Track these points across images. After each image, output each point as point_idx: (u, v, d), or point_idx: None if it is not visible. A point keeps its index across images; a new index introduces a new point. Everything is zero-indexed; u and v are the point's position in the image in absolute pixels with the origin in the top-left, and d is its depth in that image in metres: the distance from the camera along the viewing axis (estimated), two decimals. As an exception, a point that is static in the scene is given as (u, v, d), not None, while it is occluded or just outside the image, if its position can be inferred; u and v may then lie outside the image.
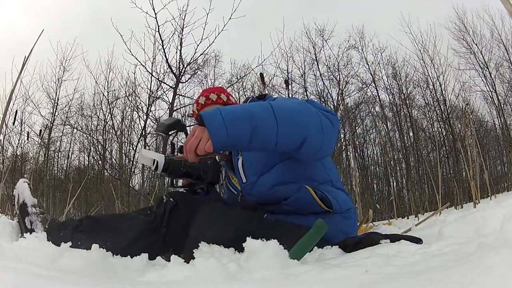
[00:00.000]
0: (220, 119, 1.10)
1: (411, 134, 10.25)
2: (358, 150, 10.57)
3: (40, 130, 8.82)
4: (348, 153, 9.53)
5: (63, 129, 9.81)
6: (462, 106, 9.13)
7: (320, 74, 10.01)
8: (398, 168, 10.40)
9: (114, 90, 9.38)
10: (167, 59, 6.76)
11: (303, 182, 1.40)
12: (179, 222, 1.42)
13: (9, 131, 8.58)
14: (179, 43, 6.71)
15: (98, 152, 9.47)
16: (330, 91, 10.02)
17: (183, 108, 9.32)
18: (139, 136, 8.81)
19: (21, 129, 9.13)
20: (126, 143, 9.56)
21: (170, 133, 1.59)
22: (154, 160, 1.51)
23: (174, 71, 6.91)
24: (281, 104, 1.25)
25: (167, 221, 1.43)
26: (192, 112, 1.87)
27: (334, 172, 1.58)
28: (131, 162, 8.77)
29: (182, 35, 6.63)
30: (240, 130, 1.13)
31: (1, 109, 8.03)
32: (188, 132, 1.37)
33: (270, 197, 1.44)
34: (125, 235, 1.37)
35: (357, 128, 10.60)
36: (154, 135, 9.15)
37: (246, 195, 1.52)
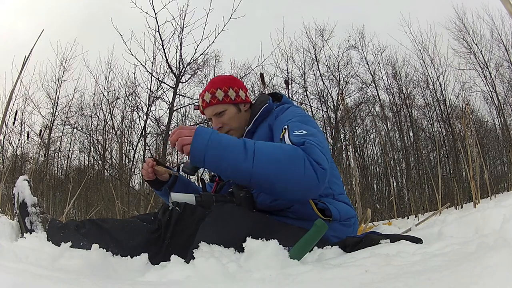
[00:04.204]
0: (203, 148, 1.21)
1: (411, 134, 10.24)
2: (358, 150, 10.57)
3: (40, 130, 8.81)
4: (348, 153, 9.53)
5: (63, 129, 9.80)
6: (462, 106, 9.14)
7: (320, 74, 10.00)
8: (398, 168, 10.40)
9: (114, 90, 9.36)
10: (167, 59, 6.76)
11: None
12: (184, 233, 1.38)
13: (9, 131, 8.58)
14: (179, 43, 6.71)
15: (98, 152, 9.46)
16: (330, 91, 10.01)
17: (183, 108, 9.35)
18: (139, 136, 8.80)
19: (21, 129, 9.12)
20: (126, 143, 9.56)
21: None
22: (185, 203, 1.49)
23: (174, 71, 6.91)
24: (266, 150, 1.24)
25: (172, 232, 1.39)
26: (198, 105, 1.76)
27: (338, 185, 1.56)
28: (131, 162, 8.77)
29: (182, 35, 6.63)
30: (216, 163, 1.24)
31: (1, 109, 8.03)
32: None
33: (272, 208, 1.44)
34: (127, 245, 1.33)
35: (357, 128, 10.60)
36: (154, 135, 9.16)
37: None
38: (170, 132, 1.25)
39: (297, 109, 1.60)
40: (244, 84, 1.81)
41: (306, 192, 1.28)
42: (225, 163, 1.22)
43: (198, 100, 1.77)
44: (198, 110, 1.76)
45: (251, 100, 1.75)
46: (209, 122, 1.77)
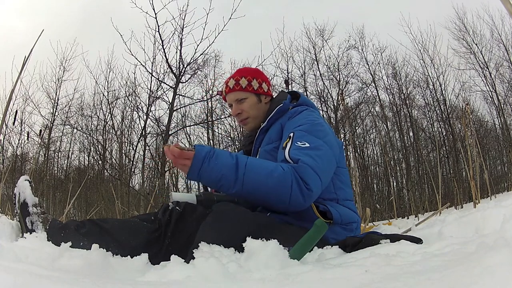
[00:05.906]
0: (198, 168, 1.34)
1: (411, 134, 10.26)
2: (358, 150, 10.58)
3: (40, 130, 8.82)
4: (348, 153, 9.52)
5: (63, 129, 9.81)
6: (462, 106, 9.13)
7: (320, 74, 10.01)
8: (398, 168, 10.41)
9: (114, 90, 9.39)
10: (167, 59, 6.78)
11: None
12: (185, 233, 1.38)
13: (9, 131, 8.58)
14: (179, 43, 6.73)
15: (98, 152, 9.46)
16: (330, 91, 10.02)
17: (183, 108, 9.35)
18: (139, 136, 8.80)
19: (21, 129, 9.13)
20: (126, 143, 9.57)
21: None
22: (186, 202, 1.48)
23: (174, 71, 6.92)
24: (254, 176, 1.33)
25: (172, 231, 1.40)
26: (221, 90, 1.81)
27: (344, 191, 1.56)
28: (131, 162, 8.78)
29: (182, 35, 6.65)
30: (208, 183, 1.45)
31: (1, 109, 8.03)
32: None
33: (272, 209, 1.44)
34: (127, 245, 1.33)
35: (357, 128, 10.60)
36: (154, 135, 9.16)
37: None
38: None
39: (310, 114, 1.59)
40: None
41: (291, 210, 1.37)
42: (218, 185, 1.38)
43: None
44: (220, 95, 1.83)
45: (273, 94, 1.79)
46: (229, 109, 1.83)
